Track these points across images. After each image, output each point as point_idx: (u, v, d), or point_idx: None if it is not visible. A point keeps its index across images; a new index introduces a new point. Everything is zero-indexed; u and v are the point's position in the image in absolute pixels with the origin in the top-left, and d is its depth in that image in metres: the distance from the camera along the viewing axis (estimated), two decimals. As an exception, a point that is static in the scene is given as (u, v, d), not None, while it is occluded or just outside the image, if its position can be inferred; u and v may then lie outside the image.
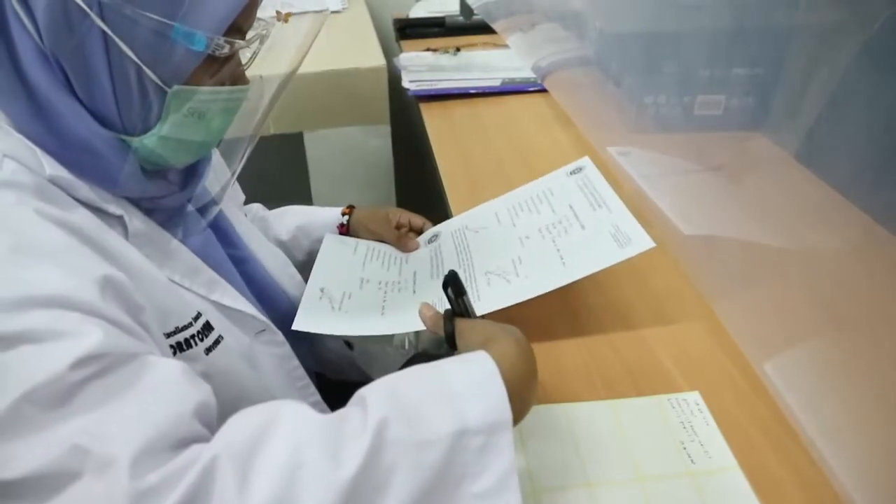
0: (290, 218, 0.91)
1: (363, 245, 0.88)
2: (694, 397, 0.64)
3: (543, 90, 1.30)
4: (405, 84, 1.34)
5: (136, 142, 0.54)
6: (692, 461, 0.58)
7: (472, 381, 0.48)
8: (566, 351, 0.71)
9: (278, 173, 1.44)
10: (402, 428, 0.44)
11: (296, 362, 0.71)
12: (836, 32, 0.48)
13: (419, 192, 1.70)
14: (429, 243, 0.88)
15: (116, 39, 0.49)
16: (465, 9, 1.60)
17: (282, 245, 0.88)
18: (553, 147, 1.15)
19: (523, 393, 0.51)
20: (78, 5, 0.47)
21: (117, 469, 0.40)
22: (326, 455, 0.43)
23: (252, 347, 0.65)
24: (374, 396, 0.46)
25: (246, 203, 0.90)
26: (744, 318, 0.67)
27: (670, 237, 0.78)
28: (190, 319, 0.58)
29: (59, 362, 0.41)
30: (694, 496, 0.56)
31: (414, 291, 0.78)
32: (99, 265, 0.49)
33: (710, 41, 0.70)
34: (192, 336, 0.57)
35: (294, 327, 0.71)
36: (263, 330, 0.67)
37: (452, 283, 0.61)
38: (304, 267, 0.84)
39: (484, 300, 0.71)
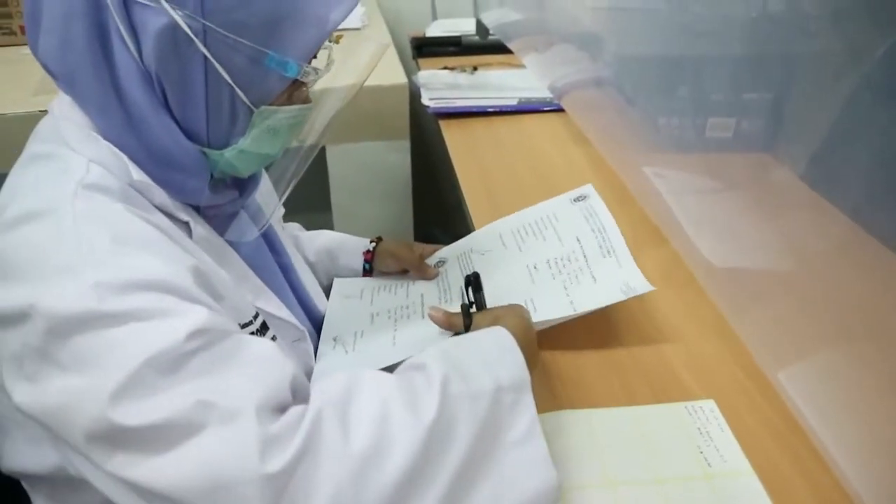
0: (321, 241, 0.94)
1: (368, 287, 0.89)
2: (709, 405, 0.68)
3: (559, 110, 1.35)
4: (425, 101, 1.39)
5: (217, 154, 0.59)
6: (709, 464, 0.62)
7: (498, 347, 0.59)
8: (588, 361, 0.75)
9: (300, 185, 1.48)
10: (459, 384, 0.53)
11: None
12: (842, 58, 0.51)
13: (435, 205, 1.74)
14: (434, 266, 0.91)
15: (216, 64, 0.54)
16: (481, 29, 1.64)
17: (309, 266, 0.91)
18: (569, 164, 1.20)
19: (530, 359, 0.60)
20: (186, 33, 0.52)
21: (245, 418, 0.46)
22: (407, 407, 0.51)
23: (290, 355, 0.68)
24: (432, 359, 0.55)
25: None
26: (757, 329, 0.71)
27: (688, 254, 0.81)
28: (251, 317, 0.62)
29: (177, 333, 0.47)
30: (711, 497, 0.59)
31: (423, 316, 0.79)
32: (186, 257, 0.54)
33: (722, 66, 0.73)
34: (254, 332, 0.62)
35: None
36: (299, 339, 0.71)
37: (474, 282, 0.73)
38: (325, 291, 0.88)
39: None
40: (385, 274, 0.92)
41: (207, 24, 0.52)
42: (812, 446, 0.62)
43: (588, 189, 0.88)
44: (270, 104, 0.59)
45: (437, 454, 0.49)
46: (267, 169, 0.75)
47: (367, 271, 0.92)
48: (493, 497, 0.51)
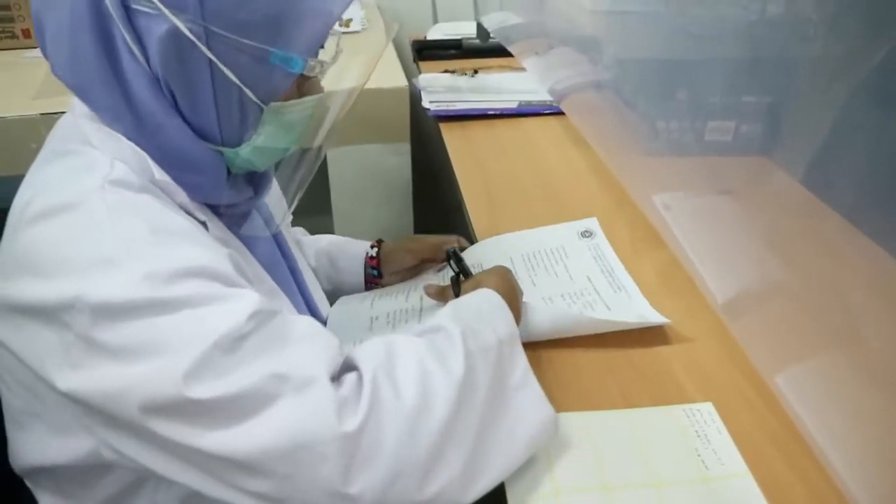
0: (322, 246, 0.95)
1: (369, 294, 0.90)
2: (707, 408, 0.68)
3: (558, 113, 1.35)
4: (425, 104, 1.39)
5: (232, 153, 0.60)
6: (706, 467, 0.62)
7: (489, 306, 0.65)
8: (585, 363, 0.75)
9: (300, 188, 1.48)
10: (473, 339, 0.59)
11: None
12: (842, 62, 0.52)
13: (435, 207, 1.74)
14: (438, 272, 0.92)
15: (221, 66, 0.55)
16: (482, 32, 1.65)
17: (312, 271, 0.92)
18: (569, 167, 1.20)
19: (515, 313, 0.67)
20: (189, 38, 0.53)
21: (320, 384, 0.50)
22: (440, 364, 0.56)
23: None
24: (447, 320, 0.60)
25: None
26: (755, 332, 0.71)
27: (686, 257, 0.82)
28: None
29: (237, 315, 0.49)
30: (708, 501, 0.59)
31: (419, 320, 0.81)
32: (219, 246, 0.56)
33: (721, 69, 0.74)
34: None
35: None
36: None
37: (454, 255, 0.81)
38: (327, 296, 0.88)
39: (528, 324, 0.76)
40: (395, 273, 0.92)
41: (209, 26, 0.53)
42: (809, 450, 0.62)
43: (593, 224, 0.96)
44: (281, 100, 0.59)
45: (467, 402, 0.55)
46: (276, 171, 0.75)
47: (377, 276, 0.92)
48: (508, 433, 0.58)
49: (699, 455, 0.63)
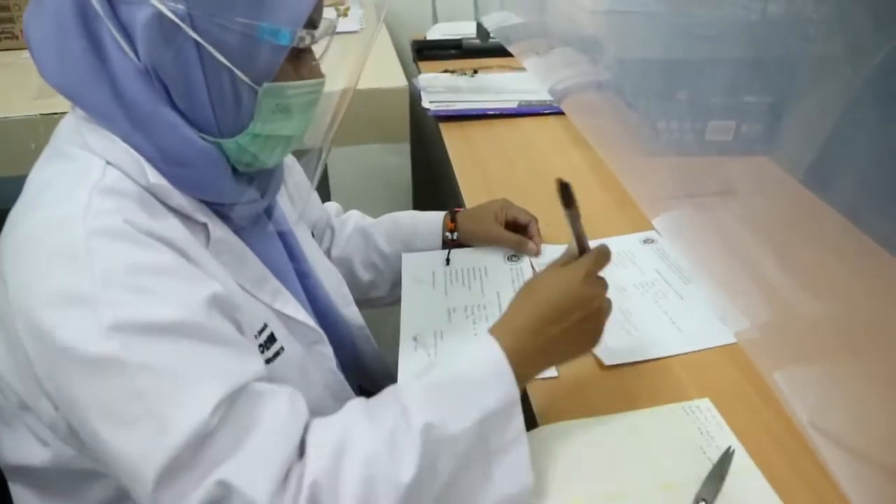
0: (392, 230, 0.95)
1: (439, 270, 0.90)
2: (705, 403, 0.68)
3: (558, 113, 1.35)
4: (425, 104, 1.39)
5: (231, 143, 0.58)
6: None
7: (487, 374, 0.58)
8: (585, 362, 0.75)
9: (300, 188, 1.48)
10: (440, 428, 0.54)
11: (341, 375, 0.74)
12: (843, 62, 0.52)
13: (435, 208, 1.74)
14: (508, 261, 0.92)
15: (208, 47, 0.53)
16: (482, 32, 1.65)
17: (384, 257, 0.93)
18: (569, 167, 1.20)
19: (547, 347, 0.61)
20: (172, 20, 0.52)
21: None
22: (390, 465, 0.52)
23: (305, 358, 0.68)
24: (413, 402, 0.55)
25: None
26: (755, 332, 0.71)
27: (686, 256, 0.82)
28: (257, 331, 0.61)
29: (204, 409, 0.48)
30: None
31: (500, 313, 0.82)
32: (201, 285, 0.54)
33: (722, 69, 0.74)
34: (261, 345, 0.61)
35: None
36: (316, 342, 0.71)
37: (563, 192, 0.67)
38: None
39: (612, 350, 0.76)
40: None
41: (191, 6, 0.52)
42: (808, 446, 0.63)
43: (653, 234, 0.99)
44: (276, 81, 0.57)
45: (418, 499, 0.52)
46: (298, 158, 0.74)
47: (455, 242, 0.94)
48: (471, 497, 0.55)
49: (704, 452, 0.63)
